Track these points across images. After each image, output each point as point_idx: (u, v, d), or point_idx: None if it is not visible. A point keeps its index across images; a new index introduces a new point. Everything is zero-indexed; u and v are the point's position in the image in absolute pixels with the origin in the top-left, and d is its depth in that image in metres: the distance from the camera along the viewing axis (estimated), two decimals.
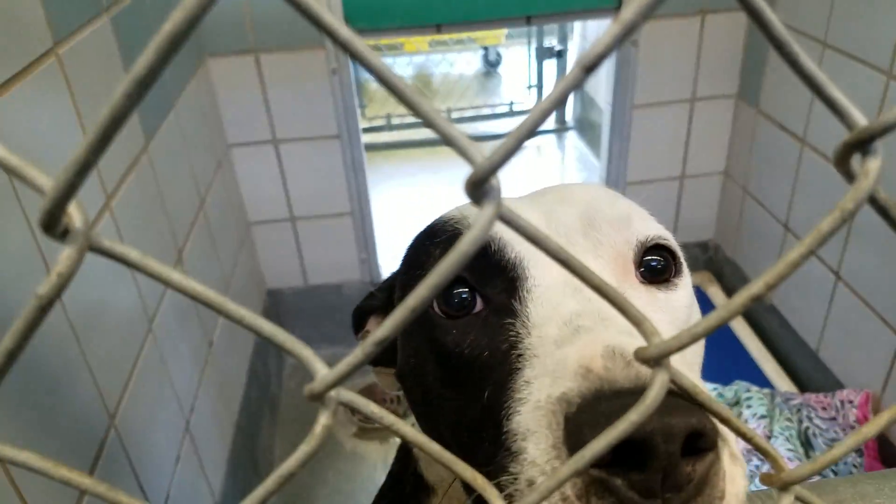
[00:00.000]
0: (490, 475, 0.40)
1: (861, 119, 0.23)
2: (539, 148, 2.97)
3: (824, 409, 1.49)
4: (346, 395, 0.26)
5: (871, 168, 0.23)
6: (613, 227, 0.51)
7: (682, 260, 0.55)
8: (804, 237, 0.23)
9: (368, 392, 1.77)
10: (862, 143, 0.22)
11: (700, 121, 1.90)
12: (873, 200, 0.24)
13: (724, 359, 1.80)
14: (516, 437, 0.40)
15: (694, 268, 2.14)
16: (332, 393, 0.25)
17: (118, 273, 1.02)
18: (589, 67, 0.19)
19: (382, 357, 0.62)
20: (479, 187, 0.22)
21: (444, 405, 0.50)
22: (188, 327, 1.31)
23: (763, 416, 1.51)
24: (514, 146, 0.21)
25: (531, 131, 0.20)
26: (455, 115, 3.25)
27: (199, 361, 1.35)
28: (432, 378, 0.51)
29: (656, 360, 0.25)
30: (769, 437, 1.45)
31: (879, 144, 0.23)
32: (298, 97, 1.71)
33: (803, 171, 1.64)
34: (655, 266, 0.52)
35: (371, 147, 2.93)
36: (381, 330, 0.23)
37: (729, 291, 2.07)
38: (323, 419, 0.25)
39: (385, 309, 0.67)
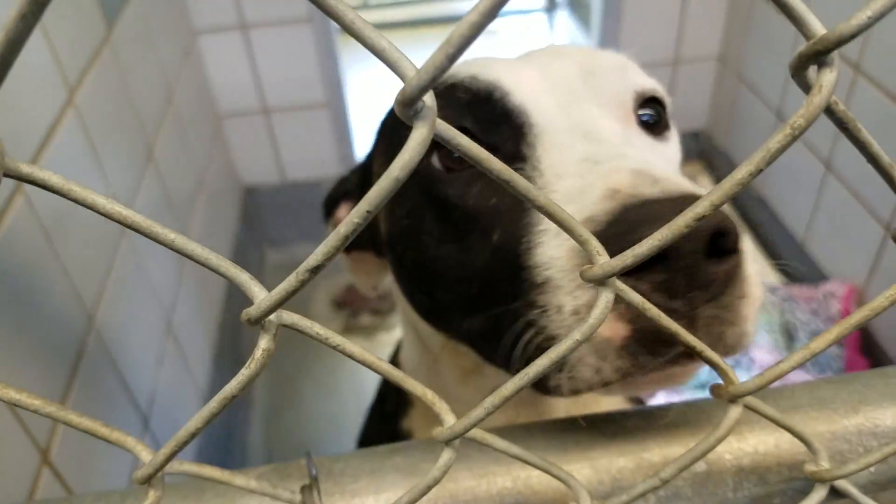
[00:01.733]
0: (513, 316, 0.41)
1: (820, 28, 0.21)
2: (528, 28, 2.84)
3: (808, 301, 1.51)
4: (289, 317, 0.26)
5: (825, 81, 0.22)
6: (613, 74, 0.52)
7: (671, 115, 0.56)
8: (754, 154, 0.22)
9: (351, 291, 1.79)
10: (818, 55, 0.21)
11: (694, 2, 1.83)
12: (831, 112, 0.23)
13: None
14: (539, 268, 0.40)
15: (686, 158, 2.11)
16: (272, 317, 0.25)
17: (87, 173, 0.99)
18: None
19: (359, 240, 0.61)
20: (411, 106, 0.20)
21: (447, 262, 0.49)
22: (163, 224, 1.29)
23: None
24: (445, 62, 0.19)
25: (462, 47, 0.19)
26: None
27: (178, 260, 1.35)
28: (432, 236, 0.50)
29: (601, 280, 0.25)
30: None
31: (835, 56, 0.22)
32: None
33: None
34: (649, 120, 0.53)
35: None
36: (313, 258, 0.22)
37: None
38: (263, 343, 0.25)
39: (360, 192, 0.65)
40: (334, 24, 1.72)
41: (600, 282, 0.25)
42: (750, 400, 0.31)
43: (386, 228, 0.57)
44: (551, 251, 0.40)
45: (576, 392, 0.39)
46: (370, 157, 0.63)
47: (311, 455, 0.39)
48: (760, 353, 1.43)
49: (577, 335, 0.25)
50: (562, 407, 0.61)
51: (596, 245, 0.25)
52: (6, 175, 0.20)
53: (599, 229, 0.36)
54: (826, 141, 1.48)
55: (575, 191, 0.40)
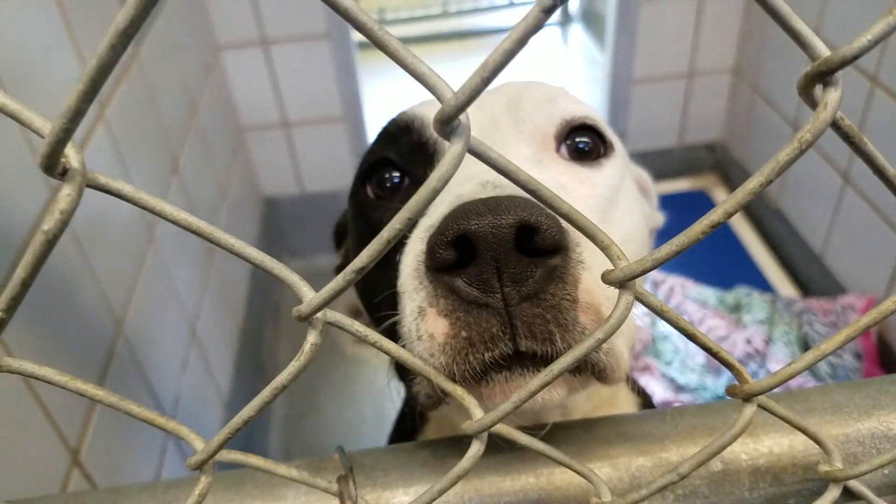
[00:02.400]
0: (393, 326, 0.42)
1: (824, 50, 0.23)
2: (542, 42, 2.86)
3: (825, 314, 1.51)
4: (333, 315, 0.28)
5: (830, 99, 0.23)
6: (536, 105, 0.54)
7: (613, 141, 0.56)
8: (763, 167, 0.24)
9: None
10: (822, 75, 0.23)
11: (710, 13, 1.84)
12: (837, 127, 0.25)
13: (726, 262, 1.82)
14: (398, 277, 0.42)
15: (701, 170, 2.12)
16: (319, 314, 0.27)
17: (115, 178, 1.02)
18: (549, 9, 0.20)
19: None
20: (448, 124, 0.22)
21: (371, 280, 0.50)
22: (189, 234, 1.32)
23: (763, 321, 1.53)
24: (480, 85, 0.21)
25: (496, 71, 0.21)
26: (453, 8, 3.14)
27: (202, 268, 1.38)
28: (359, 242, 0.57)
29: (622, 282, 0.27)
30: (768, 342, 1.49)
31: (840, 76, 0.23)
32: None
33: None
34: (582, 147, 0.54)
35: (366, 45, 2.84)
36: (359, 260, 0.24)
37: None
38: (311, 338, 0.27)
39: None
40: (353, 40, 1.76)
41: (621, 284, 0.27)
42: (764, 400, 0.33)
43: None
44: (409, 264, 0.41)
45: (427, 399, 0.41)
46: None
47: (343, 449, 0.41)
48: (778, 365, 1.43)
49: (599, 333, 0.27)
50: (580, 409, 0.63)
51: (616, 251, 0.27)
52: (88, 186, 0.22)
53: (434, 231, 0.36)
54: (843, 153, 1.49)
55: (434, 204, 0.39)
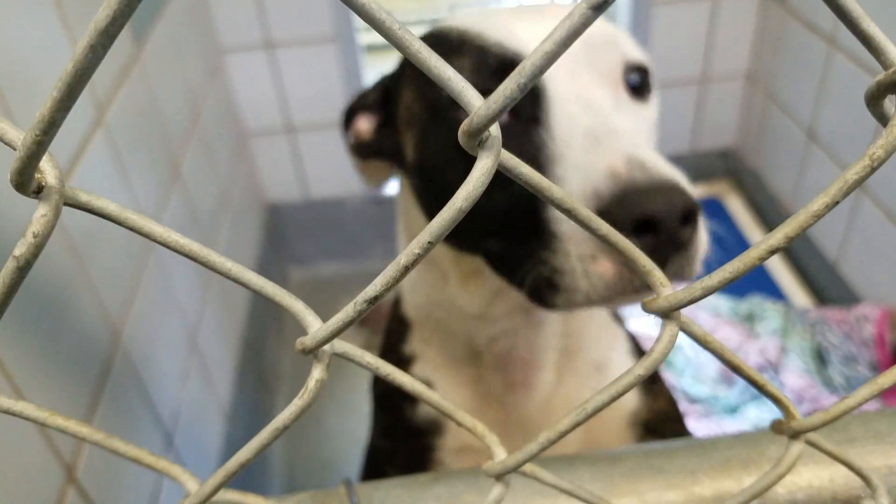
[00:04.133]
0: (528, 250, 0.53)
1: None
2: None
3: (840, 324, 1.48)
4: (341, 346, 0.25)
5: None
6: (606, 46, 0.60)
7: (653, 80, 0.65)
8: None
9: (372, 311, 1.78)
10: None
11: (724, 18, 1.81)
12: None
13: None
14: (553, 220, 0.51)
15: (713, 176, 2.09)
16: (326, 347, 0.24)
17: (116, 190, 1.00)
18: (598, 6, 0.17)
19: (379, 149, 0.72)
20: (477, 136, 0.20)
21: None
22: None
23: (777, 331, 1.50)
24: (516, 92, 0.19)
25: (534, 76, 0.18)
26: (460, 11, 3.10)
27: (203, 277, 1.36)
28: (456, 178, 0.55)
29: (666, 312, 0.24)
30: (782, 353, 1.45)
31: None
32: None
33: (831, 74, 1.57)
34: (634, 84, 0.62)
35: (372, 48, 2.81)
36: (372, 288, 0.22)
37: (749, 202, 2.00)
38: (316, 374, 0.24)
39: (379, 109, 0.73)
40: (359, 44, 1.73)
41: (665, 314, 0.24)
42: (811, 436, 0.30)
43: (415, 156, 0.65)
44: (592, 179, 0.50)
45: (569, 307, 0.52)
46: (394, 77, 0.71)
47: (351, 482, 0.38)
48: (791, 376, 1.40)
49: (639, 370, 0.24)
50: (544, 382, 0.70)
51: (660, 276, 0.24)
52: (66, 204, 0.20)
53: (602, 205, 0.48)
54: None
55: (580, 165, 0.51)
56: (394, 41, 0.19)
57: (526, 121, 0.55)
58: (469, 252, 0.65)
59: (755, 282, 1.72)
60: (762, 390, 0.28)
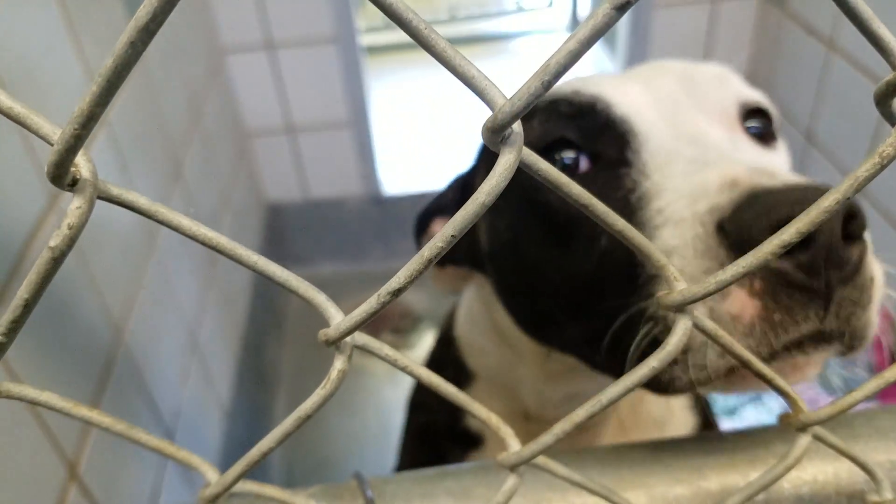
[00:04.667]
0: (627, 308, 0.42)
1: None
2: (551, 49, 2.84)
3: None
4: (362, 339, 0.26)
5: None
6: (713, 83, 0.52)
7: (777, 128, 0.56)
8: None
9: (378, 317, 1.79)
10: None
11: (723, 21, 1.82)
12: None
13: None
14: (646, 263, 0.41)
15: None
16: (348, 339, 0.25)
17: (118, 184, 1.00)
18: (622, 6, 0.18)
19: (456, 256, 0.63)
20: (500, 133, 0.20)
21: (554, 269, 0.50)
22: (191, 243, 1.30)
23: None
24: (540, 89, 0.19)
25: (559, 74, 0.19)
26: (461, 13, 3.11)
27: (203, 277, 1.36)
28: (537, 245, 0.51)
29: (679, 307, 0.25)
30: None
31: None
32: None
33: (830, 77, 1.58)
34: (756, 132, 0.53)
35: (373, 49, 2.81)
36: (396, 280, 0.22)
37: None
38: (339, 364, 0.25)
39: (457, 208, 0.64)
40: (360, 45, 1.74)
41: (679, 309, 0.24)
42: (818, 430, 0.30)
43: (487, 241, 0.58)
44: (671, 242, 0.40)
45: (699, 384, 0.39)
46: (472, 172, 0.64)
47: (361, 475, 0.38)
48: None
49: (654, 362, 0.25)
50: (607, 436, 0.61)
51: (672, 271, 0.24)
52: (100, 198, 0.20)
53: (724, 217, 0.37)
54: (855, 158, 1.47)
55: (687, 186, 0.41)
56: (420, 40, 0.19)
57: (612, 166, 0.48)
58: (550, 343, 0.56)
59: None
60: (771, 384, 0.29)
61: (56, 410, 0.25)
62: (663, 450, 0.38)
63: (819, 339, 0.37)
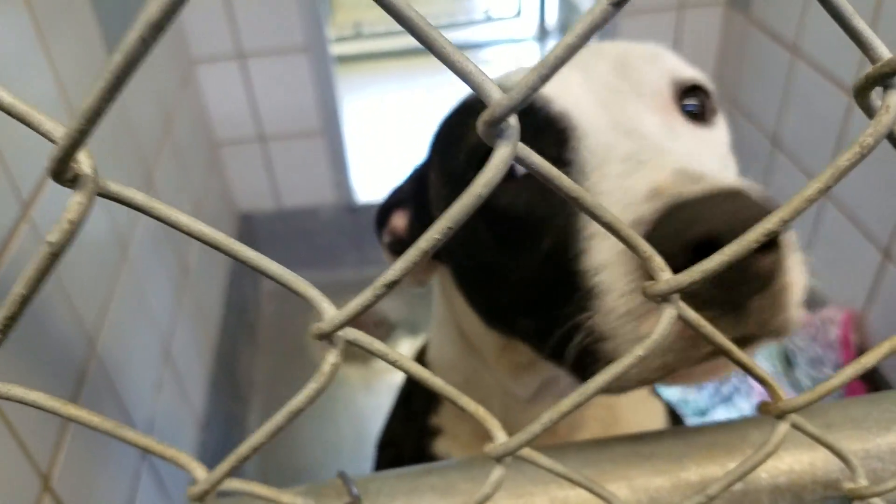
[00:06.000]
0: (564, 319, 0.43)
1: (886, 52, 0.22)
2: (518, 58, 2.87)
3: (805, 327, 1.51)
4: (353, 333, 0.26)
5: (892, 102, 0.22)
6: (647, 65, 0.51)
7: (715, 99, 0.55)
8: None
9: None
10: (884, 77, 0.22)
11: (688, 30, 1.86)
12: (889, 135, 0.24)
13: None
14: (588, 273, 0.41)
15: None
16: (340, 332, 0.25)
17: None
18: (619, 2, 0.18)
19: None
20: (496, 126, 0.21)
21: (503, 268, 0.50)
22: (163, 253, 1.29)
23: None
24: (537, 83, 0.20)
25: (556, 68, 0.20)
26: (432, 21, 3.11)
27: (176, 287, 1.34)
28: (488, 245, 0.51)
29: (664, 296, 0.25)
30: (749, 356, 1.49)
31: None
32: (263, 7, 1.64)
33: (794, 82, 1.62)
34: (693, 110, 0.52)
35: (342, 58, 2.81)
36: (392, 272, 0.23)
37: None
38: (331, 358, 0.25)
39: (415, 202, 0.66)
40: (331, 54, 1.74)
41: (664, 298, 0.25)
42: (796, 418, 0.31)
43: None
44: (601, 256, 0.40)
45: (623, 389, 0.41)
46: (425, 166, 0.64)
47: (346, 474, 0.38)
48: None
49: (639, 350, 0.26)
50: (589, 429, 0.62)
51: (659, 262, 0.25)
52: (99, 194, 0.20)
53: (647, 230, 0.37)
54: (823, 164, 1.50)
55: (618, 192, 0.41)
56: (421, 38, 0.20)
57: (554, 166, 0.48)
58: (506, 333, 0.57)
59: None
60: (751, 372, 0.30)
61: (45, 410, 0.25)
62: (644, 442, 0.39)
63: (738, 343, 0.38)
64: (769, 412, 0.31)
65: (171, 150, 1.42)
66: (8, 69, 0.80)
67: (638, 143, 0.44)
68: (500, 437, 0.30)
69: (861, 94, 0.22)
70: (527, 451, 0.31)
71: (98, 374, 0.93)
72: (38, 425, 0.75)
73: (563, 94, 0.49)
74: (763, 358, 1.47)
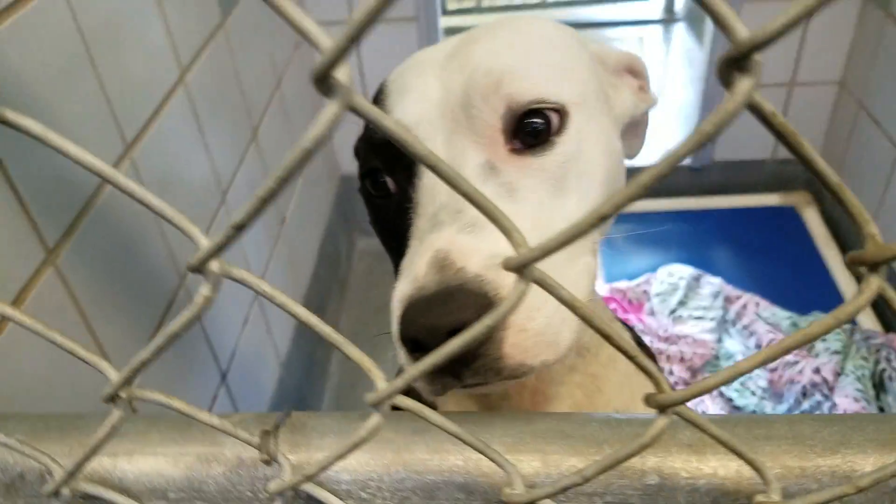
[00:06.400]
0: None
1: (742, 32, 0.21)
2: (641, 39, 2.75)
3: None
4: (234, 270, 0.29)
5: (740, 88, 0.22)
6: (484, 97, 0.49)
7: (573, 111, 0.51)
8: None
9: None
10: (738, 60, 0.21)
11: (818, 21, 1.71)
12: (757, 110, 0.23)
13: (806, 286, 1.70)
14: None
15: (793, 187, 2.00)
16: (213, 267, 0.28)
17: (191, 145, 1.08)
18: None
19: None
20: (325, 81, 0.22)
21: (389, 243, 0.57)
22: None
23: (837, 352, 1.44)
24: (347, 42, 0.21)
25: (362, 30, 0.21)
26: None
27: (271, 236, 1.44)
28: (379, 231, 0.59)
29: (518, 268, 0.26)
30: (839, 375, 1.39)
31: (757, 61, 0.22)
32: None
33: None
34: (533, 130, 0.50)
35: (450, 31, 2.78)
36: (238, 215, 0.25)
37: (828, 217, 1.90)
38: (204, 290, 0.28)
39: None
40: (440, 26, 1.77)
41: (518, 271, 0.26)
42: (683, 410, 0.31)
43: None
44: (401, 287, 0.45)
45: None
46: None
47: (294, 411, 0.42)
48: (845, 400, 1.34)
49: (488, 320, 0.27)
50: (564, 402, 0.65)
51: (518, 238, 0.26)
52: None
53: (399, 315, 0.43)
54: None
55: (415, 254, 0.46)
56: None
57: (405, 198, 0.51)
58: None
59: (822, 299, 1.64)
60: (633, 361, 0.30)
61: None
62: (570, 422, 0.39)
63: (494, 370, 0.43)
64: (648, 404, 0.31)
65: (278, 107, 1.51)
66: (121, 21, 0.89)
67: (448, 196, 0.46)
68: (379, 385, 0.31)
69: (723, 78, 0.22)
70: (416, 406, 0.33)
71: (184, 302, 1.02)
72: (120, 341, 0.84)
73: (420, 122, 0.52)
74: (854, 378, 1.37)
